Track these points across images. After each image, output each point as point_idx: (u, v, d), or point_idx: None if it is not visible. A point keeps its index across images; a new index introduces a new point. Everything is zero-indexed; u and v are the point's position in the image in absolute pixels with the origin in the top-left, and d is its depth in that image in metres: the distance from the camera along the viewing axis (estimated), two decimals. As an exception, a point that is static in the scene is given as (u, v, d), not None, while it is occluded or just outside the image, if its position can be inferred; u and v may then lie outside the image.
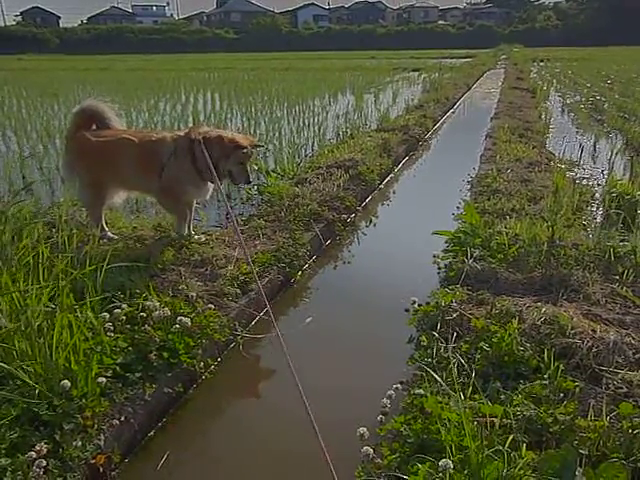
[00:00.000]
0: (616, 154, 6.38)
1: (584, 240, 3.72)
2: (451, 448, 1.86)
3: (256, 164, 6.07)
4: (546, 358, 2.38)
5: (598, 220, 4.57)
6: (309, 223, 4.49)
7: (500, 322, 2.71)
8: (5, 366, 2.17)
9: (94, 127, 3.94)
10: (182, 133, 3.79)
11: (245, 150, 3.62)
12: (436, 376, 2.09)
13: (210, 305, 3.00)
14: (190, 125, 9.12)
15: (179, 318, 2.70)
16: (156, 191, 3.88)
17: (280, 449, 2.30)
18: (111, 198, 4.06)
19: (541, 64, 27.74)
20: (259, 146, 4.04)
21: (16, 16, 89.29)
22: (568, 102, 12.67)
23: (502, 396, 2.19)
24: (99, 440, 2.09)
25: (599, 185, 5.54)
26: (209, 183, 3.82)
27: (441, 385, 2.11)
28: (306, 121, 9.50)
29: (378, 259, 4.36)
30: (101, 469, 2.04)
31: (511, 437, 1.87)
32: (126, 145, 3.74)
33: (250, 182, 3.90)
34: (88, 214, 4.18)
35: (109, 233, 4.04)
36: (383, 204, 5.84)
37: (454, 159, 7.77)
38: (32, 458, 1.87)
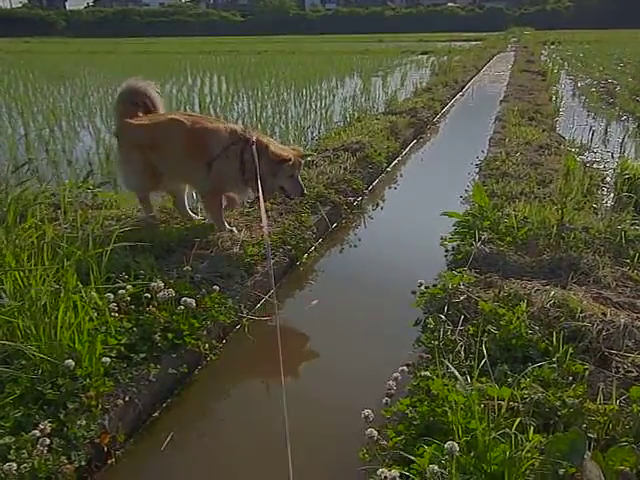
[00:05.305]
0: (628, 137, 6.28)
1: (594, 223, 3.66)
2: (457, 430, 1.84)
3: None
4: (555, 341, 2.34)
5: (609, 203, 4.50)
6: (315, 206, 4.44)
7: (508, 305, 2.67)
8: (9, 344, 2.16)
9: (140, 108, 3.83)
10: (238, 128, 3.57)
11: (291, 162, 3.48)
12: (442, 359, 2.06)
13: (215, 287, 2.98)
14: (196, 108, 9.06)
15: (184, 299, 2.68)
16: (203, 187, 3.69)
17: (283, 431, 2.28)
18: (161, 184, 3.82)
19: (552, 47, 27.29)
20: (307, 156, 3.86)
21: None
22: (579, 85, 12.46)
23: (510, 379, 2.16)
24: (103, 420, 2.08)
25: (610, 168, 5.45)
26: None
27: (448, 368, 2.08)
28: (313, 104, 9.40)
29: (385, 242, 4.32)
30: (105, 448, 2.05)
31: (518, 420, 1.84)
32: (176, 129, 3.54)
33: (305, 194, 3.74)
34: (137, 198, 4.01)
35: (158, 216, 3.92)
36: (390, 187, 5.78)
37: (463, 142, 7.67)
38: (36, 436, 1.87)
